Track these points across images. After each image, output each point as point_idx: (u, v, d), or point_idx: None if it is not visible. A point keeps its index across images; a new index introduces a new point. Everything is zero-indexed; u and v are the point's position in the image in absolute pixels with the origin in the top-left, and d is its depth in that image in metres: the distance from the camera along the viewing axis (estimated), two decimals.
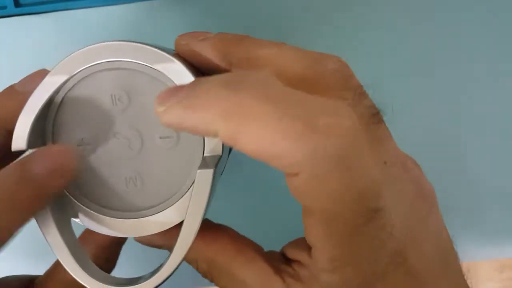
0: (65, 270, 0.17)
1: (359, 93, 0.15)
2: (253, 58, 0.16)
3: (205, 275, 0.18)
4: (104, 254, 0.21)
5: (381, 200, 0.13)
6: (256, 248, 0.17)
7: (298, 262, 0.16)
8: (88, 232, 0.20)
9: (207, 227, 0.18)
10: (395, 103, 0.31)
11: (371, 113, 0.15)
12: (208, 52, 0.17)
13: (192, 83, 0.14)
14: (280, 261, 0.17)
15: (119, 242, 0.21)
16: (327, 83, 0.15)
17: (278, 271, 0.16)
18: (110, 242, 0.21)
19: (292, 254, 0.16)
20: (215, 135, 0.13)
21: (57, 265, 0.20)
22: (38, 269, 0.22)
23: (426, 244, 0.15)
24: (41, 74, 0.18)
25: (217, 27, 0.30)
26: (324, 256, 0.14)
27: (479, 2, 0.30)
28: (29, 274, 0.21)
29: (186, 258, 0.17)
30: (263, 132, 0.12)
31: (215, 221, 0.19)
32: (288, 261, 0.16)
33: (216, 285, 0.17)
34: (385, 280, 0.14)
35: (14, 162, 0.16)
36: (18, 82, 0.19)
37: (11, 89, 0.19)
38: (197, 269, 0.18)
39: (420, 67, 0.31)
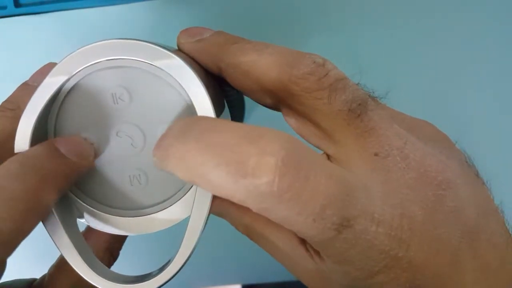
0: (70, 268, 0.17)
1: (335, 90, 0.15)
2: (238, 64, 0.17)
3: (244, 234, 0.19)
4: (106, 249, 0.21)
5: (352, 209, 0.13)
6: None
7: None
8: (90, 229, 0.20)
9: None
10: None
11: (349, 108, 0.15)
12: (202, 56, 0.18)
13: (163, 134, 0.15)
14: None
15: (121, 237, 0.21)
16: (301, 86, 0.15)
17: (302, 242, 0.17)
18: (113, 238, 0.21)
19: None
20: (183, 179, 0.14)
21: (61, 264, 0.20)
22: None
23: (438, 229, 0.14)
24: (51, 67, 0.18)
25: (217, 26, 0.30)
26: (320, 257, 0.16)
27: None
28: (26, 278, 0.21)
29: (227, 219, 0.19)
30: (208, 178, 0.13)
31: None
32: None
33: (255, 242, 0.19)
34: (382, 274, 0.14)
35: (42, 143, 0.17)
36: (30, 78, 0.20)
37: (25, 85, 0.20)
38: (237, 229, 0.19)
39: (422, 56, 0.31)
